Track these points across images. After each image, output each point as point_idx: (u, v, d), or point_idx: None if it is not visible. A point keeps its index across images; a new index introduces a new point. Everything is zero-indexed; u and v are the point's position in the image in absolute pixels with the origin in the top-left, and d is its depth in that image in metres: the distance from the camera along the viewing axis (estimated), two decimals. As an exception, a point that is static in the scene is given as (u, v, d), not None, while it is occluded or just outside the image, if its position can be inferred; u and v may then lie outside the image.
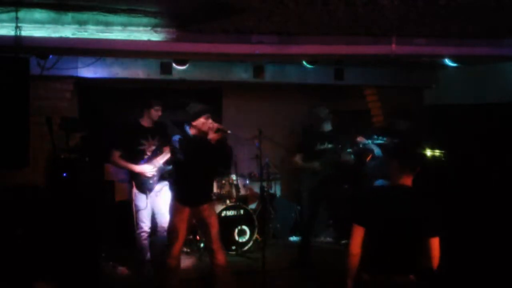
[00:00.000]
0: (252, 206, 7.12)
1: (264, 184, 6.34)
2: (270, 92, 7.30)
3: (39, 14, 3.69)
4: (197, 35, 4.20)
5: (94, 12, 3.68)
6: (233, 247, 6.12)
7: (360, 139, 5.59)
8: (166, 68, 5.70)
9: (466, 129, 5.69)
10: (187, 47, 4.32)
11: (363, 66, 6.48)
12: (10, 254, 4.35)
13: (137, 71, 5.71)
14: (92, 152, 5.39)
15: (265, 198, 6.45)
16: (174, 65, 5.64)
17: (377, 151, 5.52)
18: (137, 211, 5.02)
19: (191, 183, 4.31)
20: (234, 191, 6.50)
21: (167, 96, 5.79)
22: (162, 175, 5.07)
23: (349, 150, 5.55)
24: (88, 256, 4.79)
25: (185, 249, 5.90)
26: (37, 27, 3.82)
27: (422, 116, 6.67)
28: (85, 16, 3.77)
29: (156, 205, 5.11)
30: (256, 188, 6.92)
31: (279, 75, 6.34)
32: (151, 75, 5.76)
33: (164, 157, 4.94)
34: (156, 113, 5.11)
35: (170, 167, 4.89)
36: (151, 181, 5.04)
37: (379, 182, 5.28)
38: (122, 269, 5.46)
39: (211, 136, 4.22)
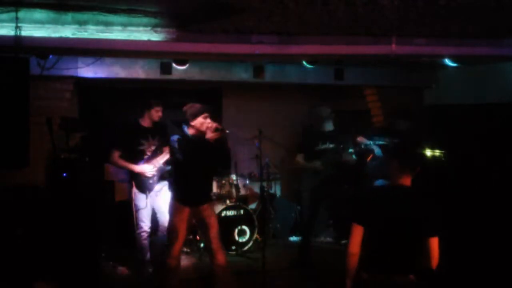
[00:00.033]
0: (252, 206, 7.11)
1: (264, 184, 6.34)
2: (270, 92, 7.30)
3: (39, 14, 3.69)
4: (197, 35, 4.20)
5: (94, 12, 3.68)
6: (233, 247, 6.12)
7: (360, 139, 5.59)
8: (166, 68, 5.70)
9: (466, 129, 5.68)
10: (187, 47, 4.33)
11: (363, 66, 6.48)
12: (10, 254, 4.35)
13: (137, 71, 5.71)
14: (92, 152, 5.39)
15: (265, 198, 6.45)
16: (174, 65, 5.64)
17: (377, 151, 5.52)
18: (137, 210, 5.03)
19: (190, 183, 4.31)
20: (234, 191, 6.50)
21: (167, 96, 5.80)
22: (162, 175, 5.07)
23: (350, 150, 5.54)
24: (88, 256, 4.79)
25: (185, 249, 5.90)
26: (37, 27, 3.82)
27: (422, 116, 6.67)
28: (85, 16, 3.77)
29: (157, 204, 5.12)
30: (256, 188, 6.92)
31: (279, 75, 6.34)
32: (151, 75, 5.76)
33: (164, 157, 4.95)
34: (156, 113, 5.12)
35: (170, 167, 4.89)
36: (151, 181, 5.04)
37: (379, 182, 5.27)
38: (122, 269, 5.46)
39: (210, 135, 4.22)
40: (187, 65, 5.63)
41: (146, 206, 5.02)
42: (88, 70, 5.47)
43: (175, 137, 4.28)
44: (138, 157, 5.04)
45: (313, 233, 5.81)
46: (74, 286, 4.55)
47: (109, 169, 6.15)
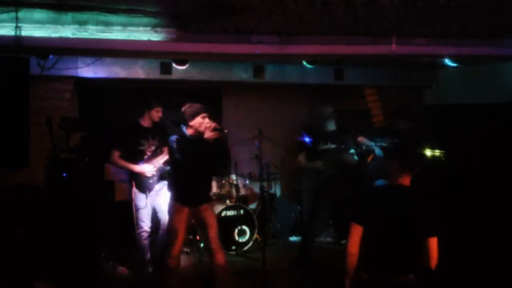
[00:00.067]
0: (252, 206, 7.12)
1: (264, 184, 6.34)
2: (270, 92, 7.30)
3: (39, 14, 3.69)
4: (197, 35, 4.20)
5: (94, 12, 3.68)
6: (233, 247, 6.12)
7: (361, 139, 5.58)
8: (166, 68, 5.70)
9: (466, 129, 5.69)
10: (187, 47, 4.32)
11: (363, 66, 6.48)
12: (10, 254, 4.35)
13: (137, 71, 5.71)
14: (92, 152, 5.39)
15: (265, 198, 6.45)
16: (174, 65, 5.64)
17: (378, 151, 5.51)
18: (137, 210, 5.04)
19: (189, 183, 4.31)
20: (234, 191, 6.50)
21: (167, 96, 5.79)
22: (162, 175, 5.07)
23: (352, 150, 5.53)
24: (88, 256, 4.79)
25: (185, 249, 5.90)
26: (37, 27, 3.82)
27: (422, 116, 6.67)
28: (85, 16, 3.77)
29: (157, 204, 5.12)
30: (256, 188, 6.92)
31: (279, 75, 6.34)
32: (151, 75, 5.76)
33: (164, 157, 4.95)
34: (156, 113, 5.13)
35: (169, 167, 4.89)
36: (150, 181, 5.05)
37: (379, 182, 5.27)
38: (122, 269, 5.46)
39: (208, 135, 4.22)
40: (187, 65, 5.63)
41: (146, 205, 5.03)
42: (88, 70, 5.47)
43: (173, 137, 4.28)
44: (138, 157, 5.04)
45: (313, 233, 5.79)
46: (74, 286, 4.55)
47: (109, 169, 6.15)
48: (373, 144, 5.48)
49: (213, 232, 4.37)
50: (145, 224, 5.06)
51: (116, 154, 5.01)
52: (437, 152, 5.37)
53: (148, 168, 5.00)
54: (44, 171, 5.36)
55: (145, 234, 5.08)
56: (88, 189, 5.02)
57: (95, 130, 6.06)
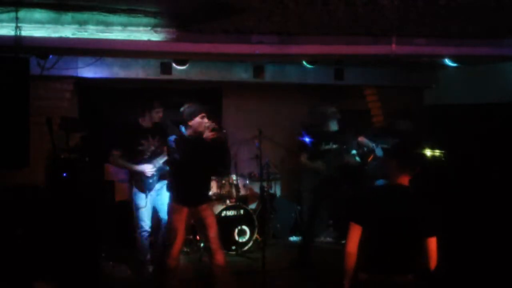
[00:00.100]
0: (252, 206, 7.11)
1: (264, 184, 6.34)
2: (270, 92, 7.30)
3: (39, 14, 3.69)
4: (197, 35, 4.20)
5: (94, 12, 3.69)
6: (233, 247, 6.12)
7: (361, 139, 5.58)
8: (166, 68, 5.70)
9: (466, 129, 5.69)
10: (187, 47, 4.32)
11: (363, 66, 6.48)
12: (10, 254, 4.35)
13: (137, 71, 5.71)
14: (92, 152, 5.39)
15: (265, 198, 6.45)
16: (174, 65, 5.64)
17: (378, 152, 5.50)
18: (137, 209, 5.04)
19: (188, 183, 4.31)
20: (234, 191, 6.50)
21: (167, 96, 5.79)
22: (162, 175, 5.08)
23: (353, 151, 5.52)
24: (88, 256, 4.79)
25: (185, 249, 5.90)
26: (37, 27, 3.82)
27: (422, 116, 6.67)
28: (85, 16, 3.77)
29: (158, 203, 5.13)
30: (256, 188, 6.92)
31: (279, 75, 6.34)
32: (151, 75, 5.76)
33: (164, 157, 4.95)
34: (157, 114, 5.14)
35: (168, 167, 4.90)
36: (150, 181, 5.05)
37: (380, 182, 5.27)
38: (122, 269, 5.46)
39: (207, 135, 4.22)
40: (187, 65, 5.63)
41: (146, 205, 5.03)
42: (88, 70, 5.47)
43: (172, 137, 4.29)
44: (138, 157, 5.04)
45: (313, 233, 5.79)
46: (74, 286, 4.54)
47: (109, 169, 6.15)
48: (374, 145, 5.47)
49: (212, 232, 4.37)
50: (146, 224, 5.06)
51: (116, 154, 5.01)
52: (437, 152, 5.37)
53: (148, 168, 5.00)
54: (44, 171, 5.36)
55: (145, 234, 5.08)
56: (88, 189, 5.02)
57: (95, 130, 6.06)
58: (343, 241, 6.20)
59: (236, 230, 6.16)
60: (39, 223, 4.57)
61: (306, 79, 6.42)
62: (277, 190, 7.60)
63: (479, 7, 3.46)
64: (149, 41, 4.11)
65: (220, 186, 6.42)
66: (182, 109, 4.33)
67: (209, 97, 7.05)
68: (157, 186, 5.11)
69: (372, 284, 2.97)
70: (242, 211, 6.28)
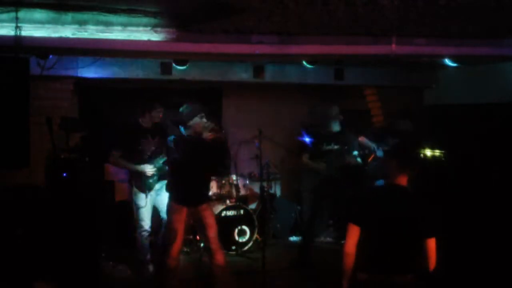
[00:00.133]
0: (252, 206, 7.11)
1: (264, 184, 6.34)
2: (270, 92, 7.30)
3: (39, 14, 3.69)
4: (197, 35, 4.21)
5: (94, 12, 3.69)
6: (233, 247, 6.12)
7: (361, 139, 5.57)
8: (166, 68, 5.70)
9: (466, 129, 5.69)
10: (187, 47, 4.33)
11: (363, 66, 6.48)
12: (10, 254, 4.35)
13: (137, 71, 5.72)
14: (92, 152, 5.39)
15: (265, 198, 6.45)
16: (174, 65, 5.64)
17: (379, 152, 5.49)
18: (137, 209, 5.05)
19: (187, 183, 4.32)
20: (234, 191, 6.50)
21: (167, 96, 5.79)
22: (162, 175, 5.08)
23: (355, 152, 5.50)
24: (88, 256, 4.79)
25: (185, 249, 5.90)
26: (37, 27, 3.82)
27: (422, 116, 6.67)
28: (85, 16, 3.77)
29: (158, 203, 5.13)
30: (256, 188, 6.92)
31: (279, 75, 6.34)
32: (151, 75, 5.76)
33: (164, 157, 4.95)
34: (157, 114, 5.14)
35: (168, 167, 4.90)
36: (150, 180, 5.05)
37: (380, 183, 5.27)
38: (122, 269, 5.46)
39: (206, 135, 4.22)
40: (187, 65, 5.63)
41: (146, 205, 5.03)
42: (88, 70, 5.47)
43: (171, 138, 4.29)
44: (138, 157, 5.05)
45: (314, 233, 5.78)
46: (74, 286, 4.54)
47: (109, 169, 6.15)
48: (375, 146, 5.47)
49: (212, 232, 4.37)
50: (146, 223, 5.07)
51: (116, 154, 5.02)
52: (437, 152, 5.37)
53: (148, 168, 5.00)
54: (44, 171, 5.36)
55: (145, 234, 5.08)
56: (88, 189, 5.02)
57: (95, 130, 6.06)
58: (343, 241, 6.18)
59: (236, 230, 6.16)
60: (39, 223, 4.57)
61: (306, 79, 6.42)
62: (277, 190, 7.60)
63: (479, 7, 3.46)
64: (149, 41, 4.11)
65: (220, 186, 6.42)
66: (181, 109, 4.33)
67: (209, 97, 7.05)
68: (157, 186, 5.12)
69: (371, 284, 2.97)
70: (242, 211, 6.28)
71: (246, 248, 6.20)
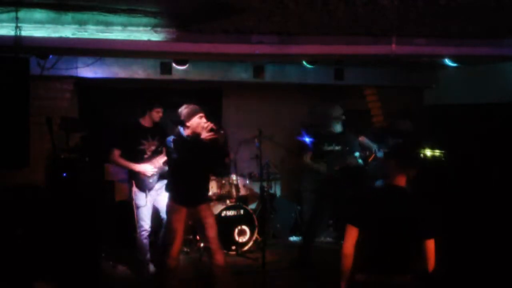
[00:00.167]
0: (252, 206, 7.12)
1: (264, 184, 6.34)
2: (270, 92, 7.30)
3: (39, 14, 3.69)
4: (197, 35, 4.20)
5: (94, 12, 3.69)
6: (233, 247, 6.12)
7: (362, 139, 5.57)
8: (166, 68, 5.70)
9: (466, 129, 5.69)
10: (187, 47, 4.32)
11: (363, 66, 6.48)
12: (10, 254, 4.35)
13: (137, 71, 5.72)
14: (92, 152, 5.40)
15: (265, 198, 6.45)
16: (174, 65, 5.64)
17: (379, 153, 5.49)
18: (137, 209, 5.04)
19: (187, 183, 4.31)
20: (234, 191, 6.50)
21: (167, 96, 5.80)
22: (162, 174, 5.08)
23: (357, 153, 5.50)
24: (88, 256, 4.79)
25: (185, 249, 5.90)
26: (37, 27, 3.82)
27: (422, 116, 6.67)
28: (85, 16, 3.77)
29: (159, 203, 5.13)
30: (256, 188, 6.92)
31: (279, 75, 6.34)
32: (151, 75, 5.76)
33: (164, 157, 4.95)
34: (157, 114, 5.15)
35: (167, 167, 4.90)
36: (150, 180, 5.05)
37: (379, 183, 5.27)
38: (122, 269, 5.46)
39: (205, 135, 4.23)
40: (187, 65, 5.64)
41: (146, 204, 5.03)
42: (88, 70, 5.47)
43: (171, 138, 4.29)
44: (138, 157, 5.05)
45: (314, 233, 5.77)
46: (74, 286, 4.55)
47: (109, 169, 6.15)
48: (375, 147, 5.46)
49: (212, 232, 4.37)
50: (146, 223, 5.07)
51: (116, 153, 5.02)
52: (437, 152, 5.37)
53: (148, 168, 5.01)
54: (44, 171, 5.37)
55: (145, 233, 5.08)
56: (88, 189, 5.02)
57: (95, 130, 6.07)
58: (342, 241, 6.24)
59: (236, 230, 6.16)
60: (39, 223, 4.57)
61: (306, 79, 6.42)
62: (277, 190, 7.60)
63: (479, 7, 3.46)
64: (149, 41, 4.11)
65: (220, 186, 6.42)
66: (180, 109, 4.34)
67: (209, 97, 7.05)
68: (157, 185, 5.12)
69: (371, 284, 2.96)
70: (242, 211, 6.28)
71: (246, 248, 6.20)
